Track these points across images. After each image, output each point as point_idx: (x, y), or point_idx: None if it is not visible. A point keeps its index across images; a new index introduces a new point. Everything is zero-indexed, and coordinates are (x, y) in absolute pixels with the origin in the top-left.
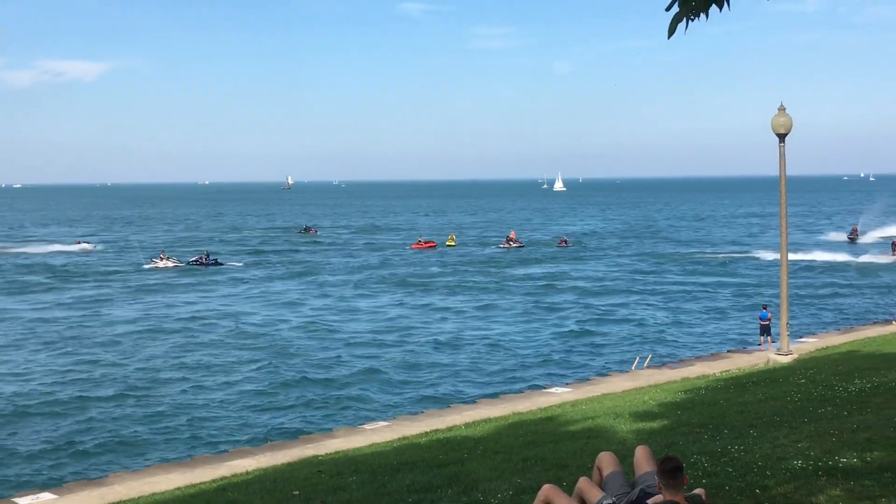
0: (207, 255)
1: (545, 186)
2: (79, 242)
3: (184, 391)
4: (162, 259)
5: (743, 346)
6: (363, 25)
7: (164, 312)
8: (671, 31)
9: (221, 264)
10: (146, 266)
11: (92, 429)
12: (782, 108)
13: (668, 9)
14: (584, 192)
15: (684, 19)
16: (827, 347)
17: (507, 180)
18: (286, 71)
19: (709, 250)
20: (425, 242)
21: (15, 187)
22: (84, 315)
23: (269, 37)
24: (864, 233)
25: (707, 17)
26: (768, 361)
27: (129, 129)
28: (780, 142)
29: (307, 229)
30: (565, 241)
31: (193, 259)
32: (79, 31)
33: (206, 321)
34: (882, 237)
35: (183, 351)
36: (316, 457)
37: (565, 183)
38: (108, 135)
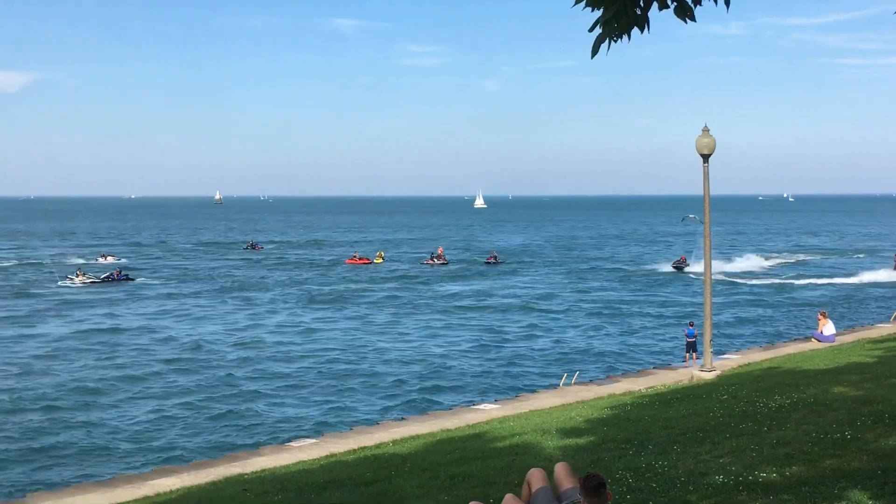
0: (119, 272)
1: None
2: (104, 256)
3: (104, 408)
4: (78, 275)
5: (668, 362)
6: (293, 40)
7: (84, 329)
8: (594, 51)
9: (133, 280)
10: (61, 283)
11: (7, 446)
12: (706, 130)
13: (590, 30)
14: (509, 209)
15: (607, 40)
16: (749, 364)
17: (436, 196)
18: (213, 86)
19: (634, 267)
20: (360, 258)
21: None
22: None
23: (196, 51)
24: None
25: (629, 38)
26: (692, 378)
27: (53, 142)
28: (703, 162)
29: (252, 245)
30: (494, 258)
31: (106, 276)
32: (1, 41)
33: (129, 337)
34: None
35: (103, 368)
36: (241, 475)
37: (494, 200)
38: (31, 147)
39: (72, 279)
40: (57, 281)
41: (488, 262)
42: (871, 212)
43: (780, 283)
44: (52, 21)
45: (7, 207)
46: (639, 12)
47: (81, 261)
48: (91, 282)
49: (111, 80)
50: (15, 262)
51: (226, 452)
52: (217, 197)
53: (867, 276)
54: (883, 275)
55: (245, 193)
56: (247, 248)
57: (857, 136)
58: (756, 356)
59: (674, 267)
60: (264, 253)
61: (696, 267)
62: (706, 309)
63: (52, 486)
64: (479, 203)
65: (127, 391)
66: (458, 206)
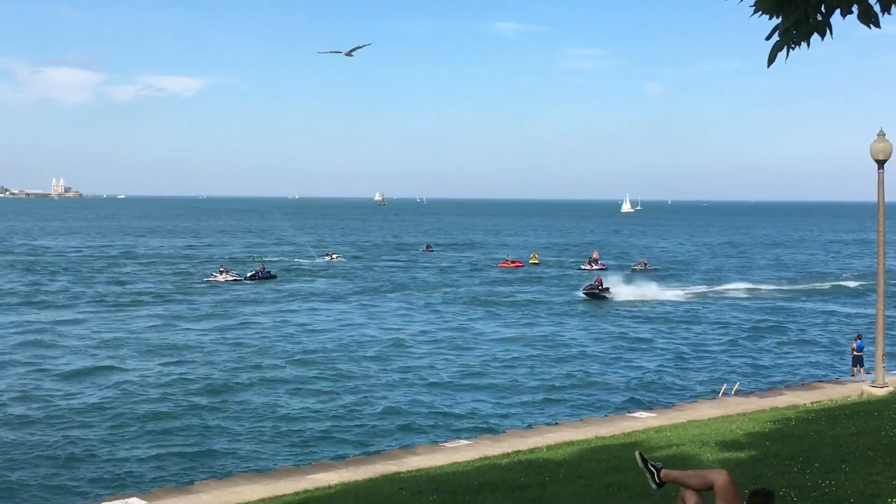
0: (263, 269)
1: (638, 207)
2: (330, 255)
3: (265, 402)
4: (221, 273)
5: (835, 376)
6: (455, 44)
7: (243, 324)
8: (771, 59)
9: (275, 277)
10: (205, 279)
11: (178, 435)
12: (882, 134)
13: (768, 38)
14: (666, 214)
15: (784, 48)
16: None
17: (589, 200)
18: (373, 89)
19: (794, 275)
20: (512, 262)
21: (119, 198)
22: (158, 327)
23: (360, 55)
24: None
25: (809, 45)
26: (862, 394)
27: (224, 144)
28: (878, 168)
29: (428, 247)
30: (644, 265)
31: (251, 273)
32: (178, 48)
33: (289, 334)
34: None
35: (264, 363)
36: (397, 473)
37: (653, 204)
38: (204, 149)
39: (215, 276)
40: (202, 277)
41: (635, 270)
42: None
43: None
44: (227, 29)
45: (182, 206)
46: (820, 18)
47: (243, 256)
48: (234, 279)
49: (277, 84)
50: (176, 256)
51: (381, 450)
52: (378, 198)
53: None
54: None
55: (402, 195)
56: (424, 250)
57: None
58: None
59: (585, 294)
60: (417, 254)
61: (618, 292)
62: (878, 321)
63: (217, 474)
64: (626, 208)
65: (286, 386)
66: (611, 210)
